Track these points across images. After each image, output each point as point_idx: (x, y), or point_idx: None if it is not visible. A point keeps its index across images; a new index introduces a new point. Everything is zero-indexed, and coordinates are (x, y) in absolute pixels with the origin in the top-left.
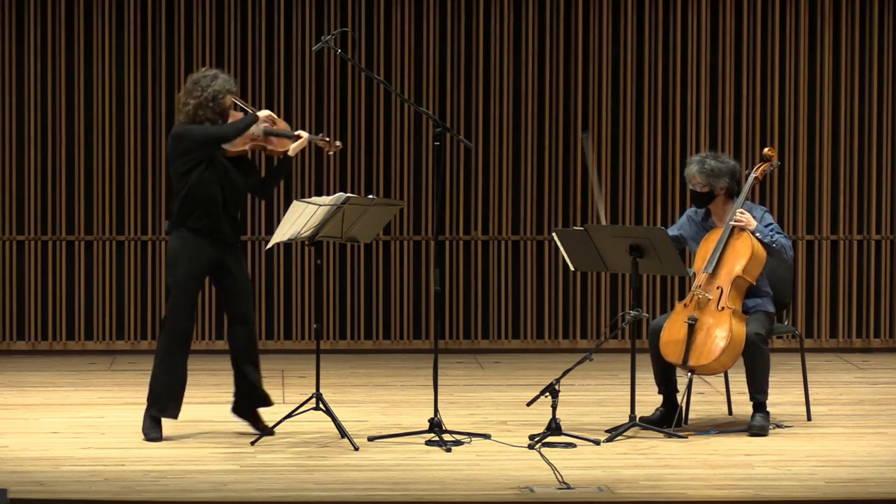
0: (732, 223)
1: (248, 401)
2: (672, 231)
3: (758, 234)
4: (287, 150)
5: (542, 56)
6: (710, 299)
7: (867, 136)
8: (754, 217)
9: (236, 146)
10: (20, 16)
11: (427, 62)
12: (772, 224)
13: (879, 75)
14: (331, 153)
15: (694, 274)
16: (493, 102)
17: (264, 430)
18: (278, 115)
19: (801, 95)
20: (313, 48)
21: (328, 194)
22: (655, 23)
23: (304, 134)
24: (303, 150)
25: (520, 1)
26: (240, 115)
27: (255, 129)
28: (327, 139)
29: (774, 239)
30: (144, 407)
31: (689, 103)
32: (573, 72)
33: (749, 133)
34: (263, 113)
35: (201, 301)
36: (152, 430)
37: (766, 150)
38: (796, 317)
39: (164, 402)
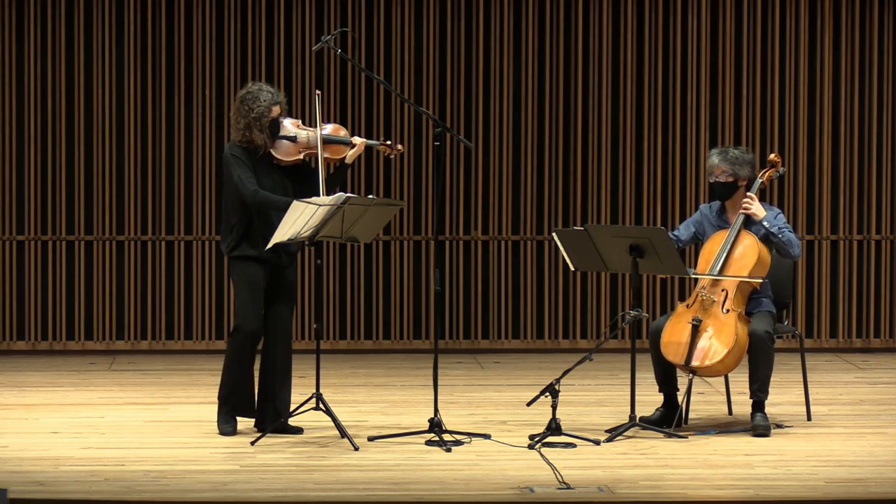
0: (741, 210)
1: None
2: (687, 229)
3: (765, 223)
4: (344, 158)
5: (542, 56)
6: (714, 301)
7: (867, 136)
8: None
9: (290, 155)
10: (20, 16)
11: (427, 62)
12: (785, 224)
13: (879, 75)
14: (392, 157)
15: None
16: (493, 102)
17: (294, 430)
18: None
19: (801, 95)
20: (313, 48)
21: (328, 194)
22: (655, 23)
23: (360, 140)
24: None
25: (520, 1)
26: (297, 122)
27: (312, 137)
28: (388, 143)
29: (783, 232)
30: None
31: (689, 103)
32: (573, 72)
33: (749, 133)
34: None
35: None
36: (226, 425)
37: (771, 155)
38: (796, 317)
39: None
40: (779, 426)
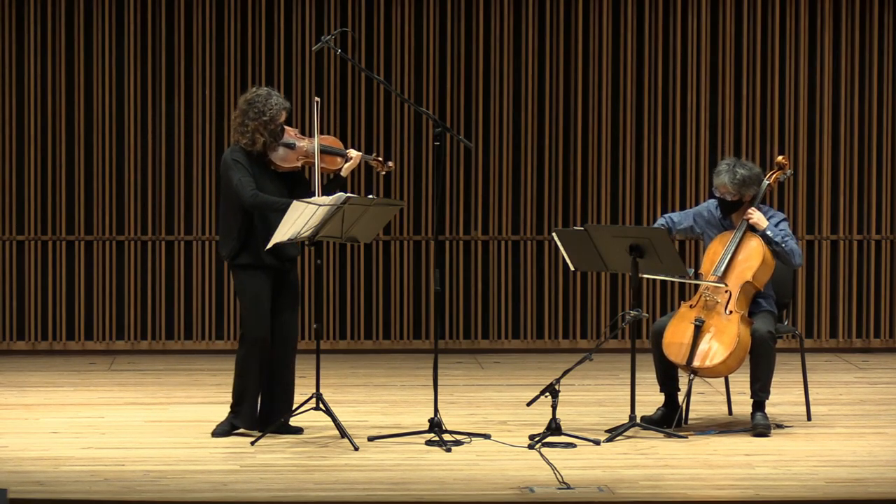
0: (745, 218)
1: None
2: (685, 218)
3: (769, 233)
4: (339, 170)
5: (542, 56)
6: (718, 302)
7: (867, 136)
8: (768, 219)
9: (289, 162)
10: (20, 16)
11: (427, 62)
12: (786, 231)
13: (879, 75)
14: (383, 173)
15: (698, 275)
16: (493, 102)
17: (294, 430)
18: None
19: (801, 95)
20: (313, 48)
21: (328, 194)
22: (655, 23)
23: (357, 153)
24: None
25: (520, 1)
26: (294, 131)
27: (309, 146)
28: (380, 159)
29: (785, 241)
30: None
31: (689, 103)
32: (573, 72)
33: (749, 133)
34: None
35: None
36: (222, 425)
37: (779, 157)
38: (796, 317)
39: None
40: (779, 426)
